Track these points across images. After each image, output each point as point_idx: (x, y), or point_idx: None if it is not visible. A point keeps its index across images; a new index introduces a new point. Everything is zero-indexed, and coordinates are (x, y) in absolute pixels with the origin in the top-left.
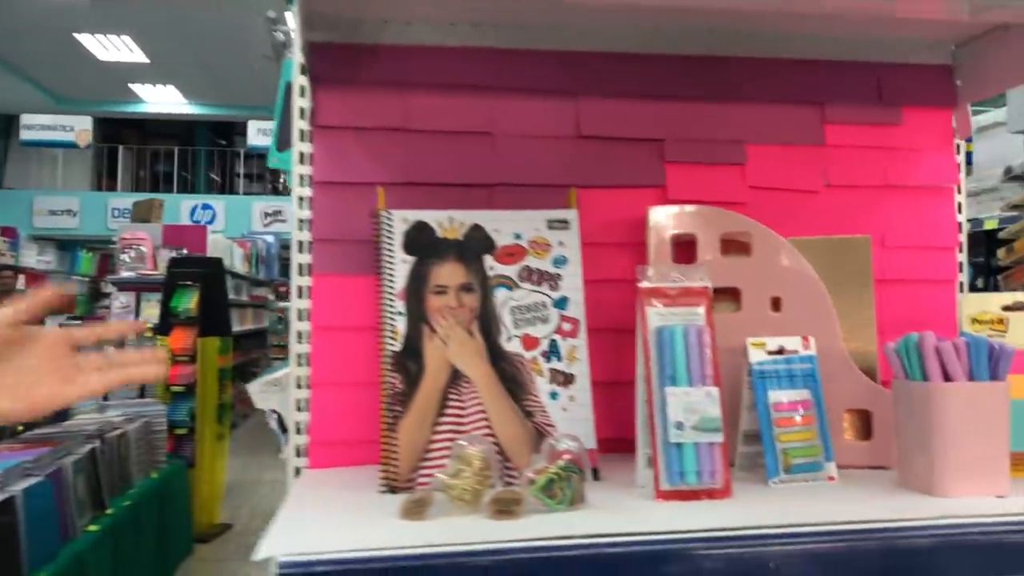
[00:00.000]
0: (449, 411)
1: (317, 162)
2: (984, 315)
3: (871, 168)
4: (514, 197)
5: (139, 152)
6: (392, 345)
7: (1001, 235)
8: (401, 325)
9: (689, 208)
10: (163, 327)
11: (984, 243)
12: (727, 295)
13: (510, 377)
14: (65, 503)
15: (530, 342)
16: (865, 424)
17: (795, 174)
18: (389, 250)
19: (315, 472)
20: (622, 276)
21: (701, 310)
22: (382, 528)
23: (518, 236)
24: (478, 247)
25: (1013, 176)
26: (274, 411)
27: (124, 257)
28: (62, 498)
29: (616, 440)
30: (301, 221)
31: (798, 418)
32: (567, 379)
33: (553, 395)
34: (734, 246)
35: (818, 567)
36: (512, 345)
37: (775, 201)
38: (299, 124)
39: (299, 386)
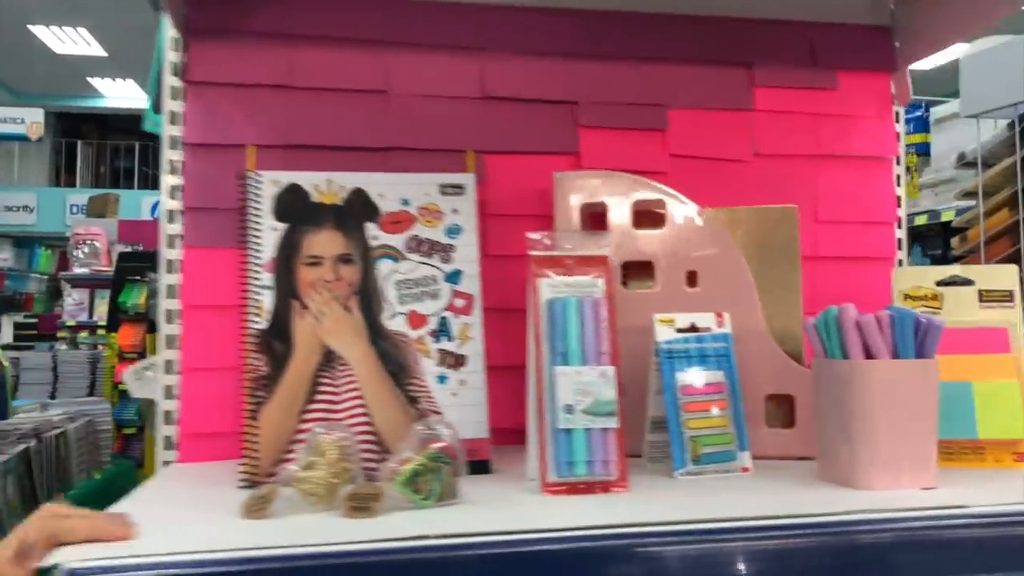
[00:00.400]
0: (320, 396)
1: (189, 122)
2: (918, 291)
3: (803, 136)
4: (411, 162)
5: (99, 147)
6: (256, 323)
7: (955, 223)
8: (268, 300)
9: (598, 174)
10: (112, 323)
11: (942, 235)
12: (643, 270)
13: (392, 358)
14: None
15: (417, 320)
16: (788, 411)
17: (721, 141)
18: (256, 216)
19: (181, 467)
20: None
21: (600, 282)
22: (213, 528)
23: (406, 202)
24: (359, 214)
25: (966, 163)
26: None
27: (78, 253)
28: None
29: (515, 430)
30: (173, 188)
31: (709, 403)
32: (458, 361)
33: (441, 378)
34: (649, 217)
35: (711, 568)
36: (396, 323)
37: (699, 170)
38: (170, 80)
39: (168, 371)
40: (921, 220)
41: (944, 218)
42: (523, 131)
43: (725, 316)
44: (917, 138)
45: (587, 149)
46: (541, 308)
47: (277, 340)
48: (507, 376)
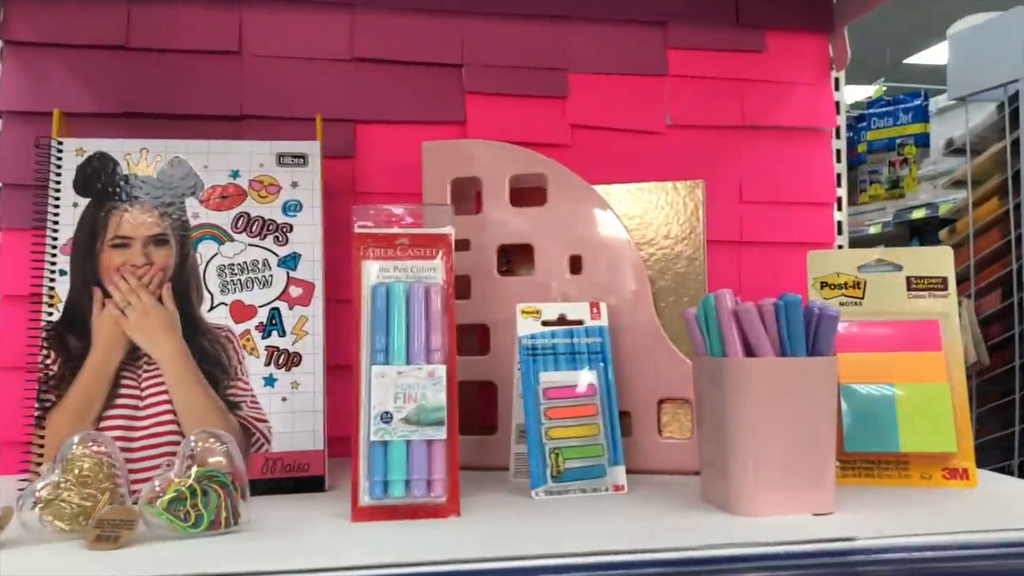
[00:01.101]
0: (121, 401)
1: (5, 87)
2: (837, 278)
3: (726, 105)
4: (266, 133)
5: None
6: (49, 314)
7: (942, 214)
8: (63, 288)
9: (472, 144)
10: None
11: (939, 229)
12: (525, 255)
13: (211, 357)
14: None
15: (243, 311)
16: (685, 418)
17: (630, 110)
18: (56, 191)
19: None
20: None
21: (438, 263)
22: None
23: (235, 174)
24: (178, 187)
25: (954, 149)
26: None
27: None
28: None
29: None
30: None
31: (576, 408)
32: (291, 360)
33: (270, 380)
34: (532, 195)
35: None
36: (217, 315)
37: (605, 143)
38: None
39: None
40: (919, 214)
41: (942, 211)
42: (399, 98)
43: (601, 307)
44: (916, 128)
45: (475, 119)
46: (364, 295)
47: (72, 334)
48: (343, 376)
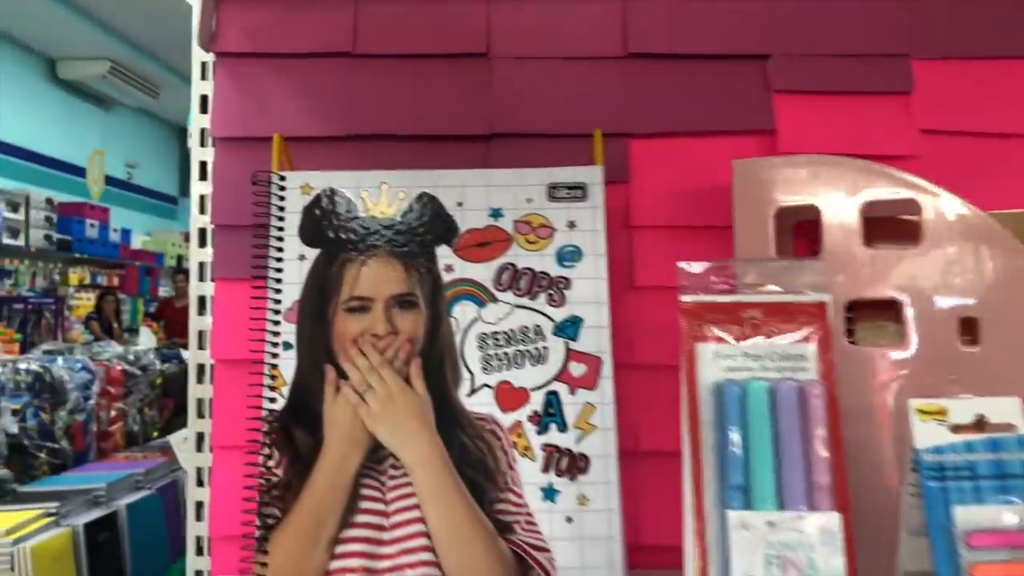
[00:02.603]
0: (361, 519)
1: (217, 108)
2: None
3: None
4: (520, 156)
5: None
6: (272, 400)
7: None
8: (288, 366)
9: (805, 160)
10: None
11: None
12: (881, 313)
13: (474, 459)
14: (178, 519)
15: (511, 396)
16: None
17: (1003, 106)
18: (278, 239)
19: None
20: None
21: (811, 350)
22: None
23: (496, 214)
24: (426, 233)
25: None
26: None
27: None
28: (174, 513)
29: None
30: (202, 197)
31: (1018, 566)
32: (575, 464)
33: (549, 493)
34: (890, 228)
35: None
36: (479, 401)
37: (965, 153)
38: (199, 55)
39: (199, 449)
40: None
41: None
42: (684, 103)
43: None
44: None
45: (787, 126)
46: (701, 399)
47: (300, 427)
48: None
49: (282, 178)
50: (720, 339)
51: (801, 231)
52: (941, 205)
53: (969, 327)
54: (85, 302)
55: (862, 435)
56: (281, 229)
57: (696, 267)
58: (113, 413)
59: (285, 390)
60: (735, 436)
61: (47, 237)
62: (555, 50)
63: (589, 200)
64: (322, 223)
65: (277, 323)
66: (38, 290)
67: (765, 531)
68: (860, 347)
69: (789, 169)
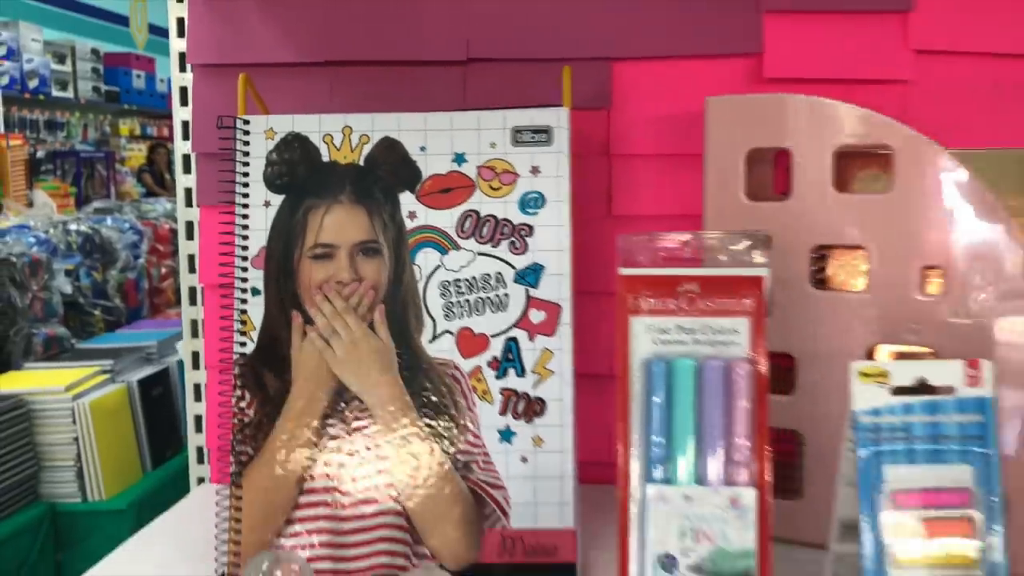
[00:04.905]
0: (328, 458)
1: (192, 34)
2: None
3: None
4: (498, 84)
5: None
6: (242, 344)
7: None
8: (257, 312)
9: (775, 100)
10: None
11: None
12: (849, 261)
13: (434, 402)
14: None
15: (472, 342)
16: None
17: (1007, 24)
18: (244, 186)
19: (213, 490)
20: (669, 211)
21: (744, 325)
22: None
23: (460, 159)
24: (391, 179)
25: None
26: None
27: None
28: None
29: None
30: (185, 125)
31: (942, 523)
32: (532, 408)
33: (506, 434)
34: (861, 167)
35: None
36: (440, 347)
37: (965, 75)
38: None
39: (196, 367)
40: None
41: None
42: (670, 24)
43: (984, 366)
44: None
45: (775, 49)
46: (633, 374)
47: (269, 370)
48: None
49: (246, 122)
50: (654, 312)
51: (782, 164)
52: (914, 150)
53: (926, 276)
54: (137, 153)
55: (822, 377)
56: (246, 175)
57: (637, 239)
58: (163, 270)
59: (254, 334)
60: (659, 412)
61: (95, 88)
62: None
63: (554, 144)
64: (285, 170)
65: (245, 268)
66: (91, 142)
67: (682, 504)
68: (824, 292)
69: (761, 108)
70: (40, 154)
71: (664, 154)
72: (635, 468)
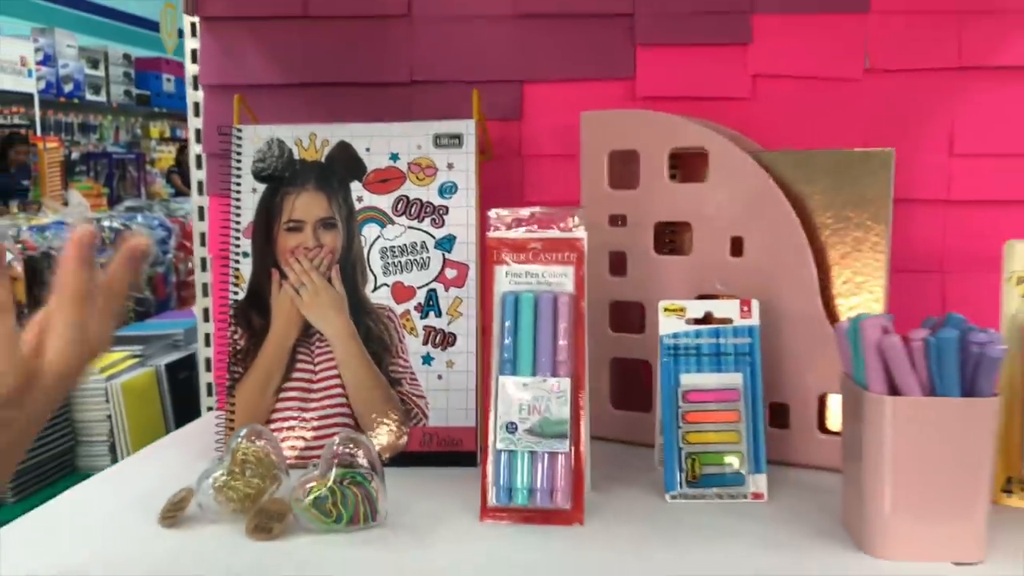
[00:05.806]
0: (297, 375)
1: (204, 62)
2: None
3: (939, 41)
4: (436, 99)
5: None
6: (236, 293)
7: None
8: (247, 268)
9: (628, 115)
10: None
11: None
12: (687, 233)
13: (375, 336)
14: None
15: (403, 292)
16: None
17: (822, 54)
18: (237, 176)
19: (218, 417)
20: (564, 199)
21: (570, 271)
22: (130, 541)
23: (395, 157)
24: (344, 172)
25: None
26: None
27: None
28: None
29: None
30: (198, 131)
31: (717, 413)
32: (446, 339)
33: (427, 359)
34: (696, 165)
35: None
36: (380, 296)
37: (791, 94)
38: (189, 17)
39: (206, 320)
40: None
41: None
42: (566, 54)
43: (753, 305)
44: None
45: (645, 73)
46: (495, 303)
47: (255, 312)
48: None
49: (240, 130)
50: (510, 262)
51: (627, 168)
52: (724, 152)
53: (736, 244)
54: (166, 155)
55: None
56: (239, 168)
57: (502, 212)
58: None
59: (245, 286)
60: (509, 328)
61: (127, 92)
62: (463, 11)
63: (464, 147)
64: (267, 165)
65: (238, 238)
66: (122, 144)
67: (521, 389)
68: (662, 256)
69: (618, 121)
70: (74, 156)
71: (562, 155)
72: (494, 365)
